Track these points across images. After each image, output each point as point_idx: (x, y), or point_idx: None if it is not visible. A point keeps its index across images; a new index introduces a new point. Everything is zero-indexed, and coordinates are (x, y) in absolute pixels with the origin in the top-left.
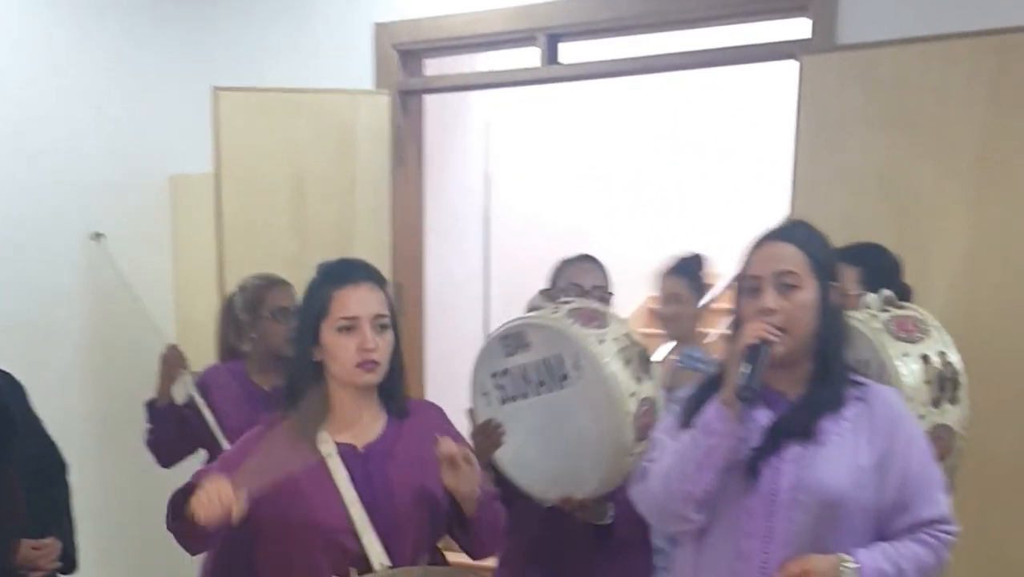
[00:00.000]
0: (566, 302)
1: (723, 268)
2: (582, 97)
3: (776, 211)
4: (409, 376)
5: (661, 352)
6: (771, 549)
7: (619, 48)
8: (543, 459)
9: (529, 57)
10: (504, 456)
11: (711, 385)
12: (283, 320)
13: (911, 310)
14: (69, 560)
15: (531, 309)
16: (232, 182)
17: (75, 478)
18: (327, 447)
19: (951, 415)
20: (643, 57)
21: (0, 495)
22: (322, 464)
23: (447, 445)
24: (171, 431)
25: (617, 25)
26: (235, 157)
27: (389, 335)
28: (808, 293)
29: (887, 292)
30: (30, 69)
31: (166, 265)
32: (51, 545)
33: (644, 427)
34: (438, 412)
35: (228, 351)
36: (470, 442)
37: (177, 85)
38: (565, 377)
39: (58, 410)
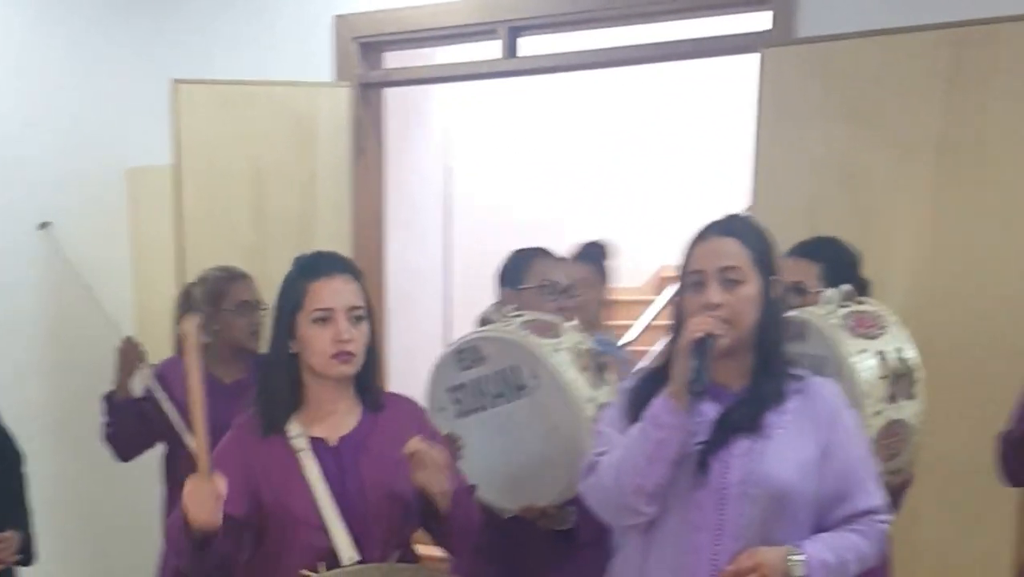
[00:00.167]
0: (518, 315)
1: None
2: (543, 90)
3: (737, 203)
4: None
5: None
6: (722, 542)
7: (580, 41)
8: (503, 470)
9: (490, 50)
10: (464, 469)
11: (653, 377)
12: (246, 313)
13: (869, 305)
14: (27, 552)
15: (484, 322)
16: (191, 174)
17: (32, 470)
18: (300, 441)
19: (907, 410)
20: (604, 50)
21: None
22: (294, 458)
23: (414, 443)
24: (130, 424)
25: (578, 18)
26: (194, 149)
27: (364, 327)
28: (751, 287)
29: (846, 287)
30: None
31: (124, 258)
32: (10, 538)
33: None
34: (414, 406)
35: None
36: None
37: (135, 77)
38: (522, 387)
39: (15, 403)
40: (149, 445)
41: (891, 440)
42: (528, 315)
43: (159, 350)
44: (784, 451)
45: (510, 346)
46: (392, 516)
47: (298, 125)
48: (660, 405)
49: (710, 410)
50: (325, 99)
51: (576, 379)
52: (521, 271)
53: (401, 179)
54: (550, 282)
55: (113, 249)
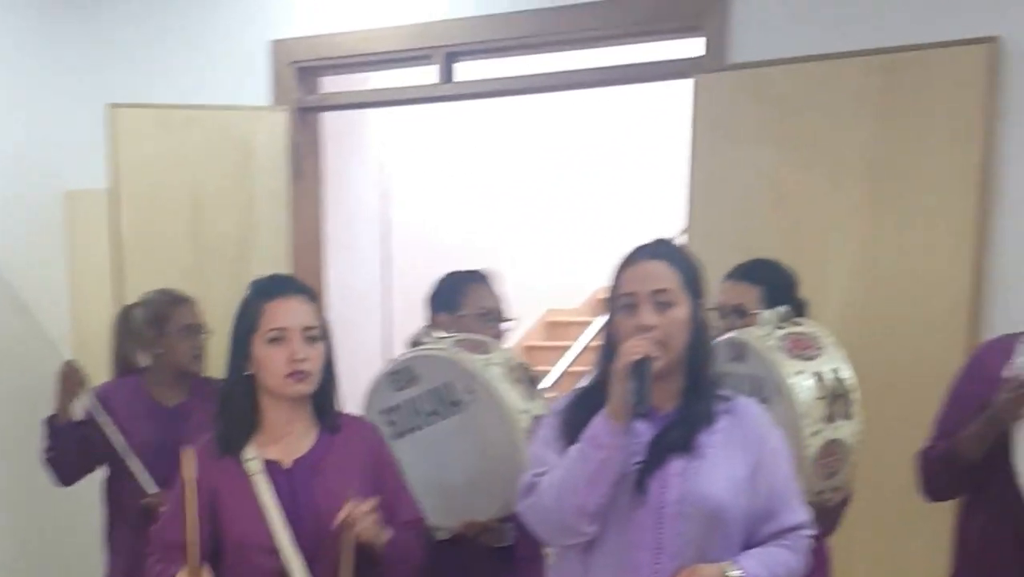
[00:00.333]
0: (448, 336)
1: None
2: (480, 114)
3: (673, 225)
4: None
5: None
6: (661, 560)
7: (516, 66)
8: (441, 488)
9: (426, 75)
10: None
11: (586, 398)
12: (190, 337)
13: (806, 326)
14: None
15: (414, 344)
16: (130, 198)
17: None
18: (255, 464)
19: (845, 430)
20: (539, 75)
21: None
22: (248, 481)
23: (344, 511)
24: (72, 449)
25: (513, 44)
26: (132, 173)
27: (320, 347)
28: (682, 310)
29: (782, 309)
30: None
31: (62, 280)
32: None
33: None
34: (371, 430)
35: (124, 365)
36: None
37: (73, 101)
38: (457, 403)
39: None
40: (91, 469)
41: (830, 459)
42: (459, 336)
43: (97, 373)
44: (717, 470)
45: (443, 364)
46: None
47: (236, 149)
48: (600, 426)
49: (644, 431)
50: (263, 123)
51: (509, 392)
52: (456, 296)
53: (339, 202)
54: (487, 309)
55: (51, 272)
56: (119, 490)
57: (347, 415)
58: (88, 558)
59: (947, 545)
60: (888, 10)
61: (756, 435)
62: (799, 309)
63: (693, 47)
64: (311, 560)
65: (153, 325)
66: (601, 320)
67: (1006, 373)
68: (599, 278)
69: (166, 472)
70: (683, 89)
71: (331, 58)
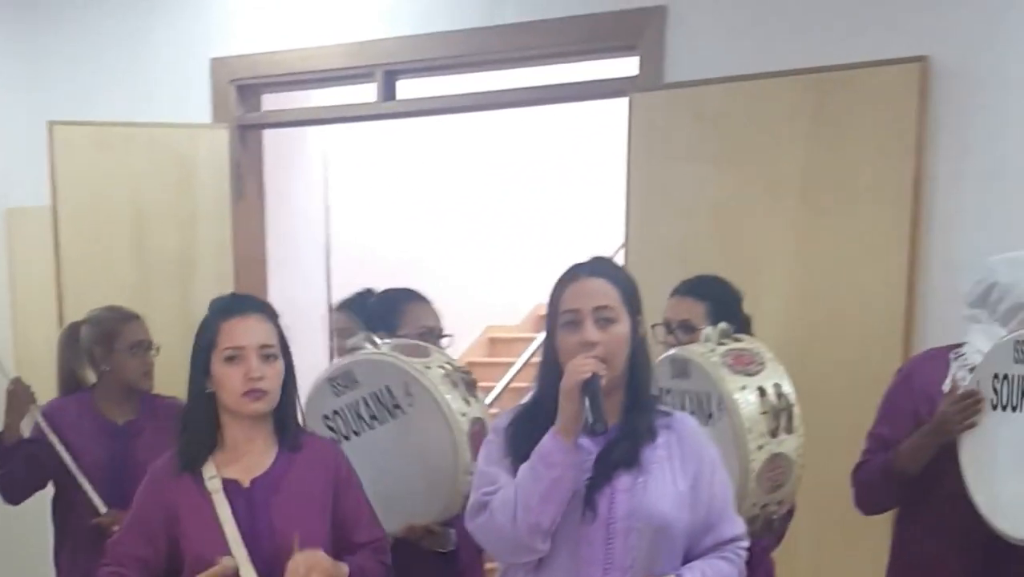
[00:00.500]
0: (386, 342)
1: None
2: (420, 131)
3: (612, 242)
4: None
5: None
6: (611, 575)
7: (456, 84)
8: (382, 493)
9: (366, 93)
10: None
11: (529, 415)
12: (139, 354)
13: (746, 342)
14: None
15: (352, 349)
16: (70, 215)
17: None
18: (214, 483)
19: (788, 444)
20: (479, 94)
21: None
22: (207, 500)
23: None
24: (20, 467)
25: (454, 63)
26: (73, 190)
27: (278, 365)
28: (623, 326)
29: (723, 325)
30: None
31: (4, 298)
32: None
33: (478, 445)
34: (333, 449)
35: (71, 383)
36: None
37: (13, 118)
38: (397, 407)
39: None
40: (39, 487)
41: (774, 473)
42: (397, 341)
43: (40, 391)
44: (662, 485)
45: (383, 367)
46: None
47: (177, 166)
48: (551, 444)
49: (589, 447)
50: (204, 140)
51: (449, 394)
52: (394, 315)
53: (281, 218)
54: (428, 328)
55: None
56: (68, 509)
57: (309, 434)
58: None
59: (883, 556)
60: (821, 30)
61: (695, 449)
62: (744, 325)
63: (628, 66)
64: None
65: (102, 342)
66: (542, 336)
67: (947, 385)
68: (539, 295)
69: (117, 490)
70: (621, 107)
71: (272, 76)
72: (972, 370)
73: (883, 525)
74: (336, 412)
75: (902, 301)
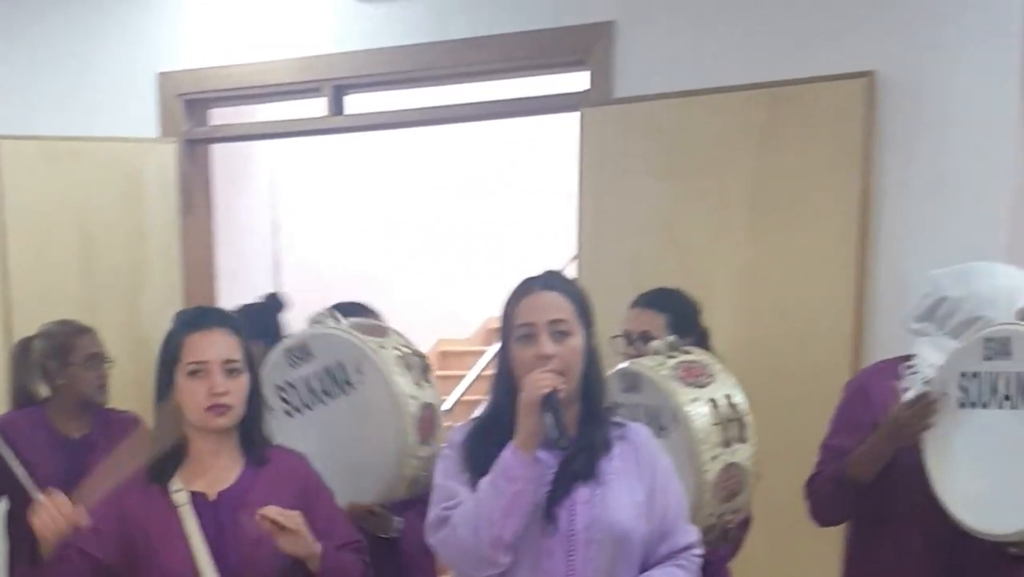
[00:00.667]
0: (349, 320)
1: None
2: (369, 145)
3: (563, 255)
4: None
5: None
6: None
7: (405, 99)
8: (329, 469)
9: (315, 107)
10: None
11: (485, 430)
12: (94, 367)
13: (695, 354)
14: None
15: (313, 323)
16: (17, 230)
17: None
18: (180, 496)
19: (741, 453)
20: (429, 108)
21: None
22: (174, 513)
23: (267, 510)
24: None
25: (403, 77)
26: (19, 205)
27: (242, 379)
28: (577, 339)
29: (671, 338)
30: None
31: None
32: None
33: (425, 430)
34: (300, 462)
35: (23, 398)
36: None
37: None
38: (348, 383)
39: None
40: None
41: (729, 482)
42: (357, 320)
43: None
44: (620, 496)
45: (338, 342)
46: (270, 572)
47: (125, 180)
48: (511, 458)
49: (548, 460)
50: (151, 155)
51: (401, 376)
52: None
53: (230, 232)
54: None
55: None
56: (22, 522)
57: (276, 447)
58: None
59: (835, 564)
60: (769, 45)
61: (649, 459)
62: (703, 336)
63: (579, 81)
64: None
65: (56, 356)
66: (494, 349)
67: (911, 394)
68: (490, 308)
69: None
70: (571, 121)
71: (219, 90)
72: (936, 373)
73: (839, 533)
74: (291, 384)
75: (851, 312)
